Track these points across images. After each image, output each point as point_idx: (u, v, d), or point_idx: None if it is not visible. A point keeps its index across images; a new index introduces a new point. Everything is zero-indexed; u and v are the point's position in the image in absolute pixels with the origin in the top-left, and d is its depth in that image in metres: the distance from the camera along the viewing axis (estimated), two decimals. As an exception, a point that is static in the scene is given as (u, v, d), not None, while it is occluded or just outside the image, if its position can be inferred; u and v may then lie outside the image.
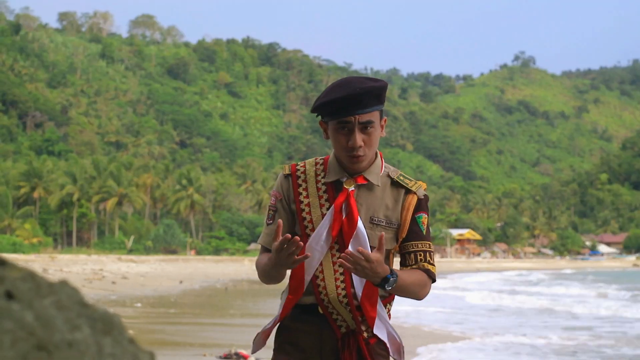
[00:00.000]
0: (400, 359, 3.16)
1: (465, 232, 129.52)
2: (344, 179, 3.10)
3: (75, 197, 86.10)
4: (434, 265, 3.16)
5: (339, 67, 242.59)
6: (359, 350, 3.06)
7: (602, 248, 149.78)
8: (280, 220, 2.92)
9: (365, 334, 3.07)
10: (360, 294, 3.05)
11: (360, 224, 3.05)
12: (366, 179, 3.10)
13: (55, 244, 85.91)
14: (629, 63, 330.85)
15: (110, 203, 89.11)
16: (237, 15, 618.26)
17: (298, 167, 3.20)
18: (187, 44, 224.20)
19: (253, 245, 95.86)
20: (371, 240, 3.06)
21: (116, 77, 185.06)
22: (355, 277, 3.05)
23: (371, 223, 3.09)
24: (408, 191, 3.15)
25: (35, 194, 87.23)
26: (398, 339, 3.15)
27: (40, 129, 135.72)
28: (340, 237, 3.06)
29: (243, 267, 63.85)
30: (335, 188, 3.11)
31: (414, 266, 3.12)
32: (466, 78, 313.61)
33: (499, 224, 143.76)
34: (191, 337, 14.29)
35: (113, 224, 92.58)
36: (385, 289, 2.97)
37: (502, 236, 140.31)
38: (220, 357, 11.40)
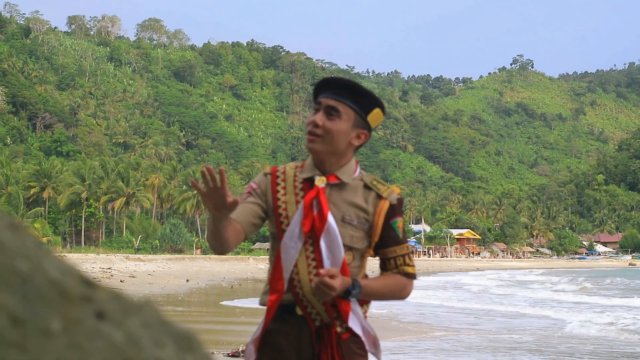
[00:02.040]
0: (377, 352, 3.16)
1: (465, 232, 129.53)
2: (316, 177, 3.13)
3: (84, 197, 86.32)
4: (412, 266, 3.18)
5: (342, 69, 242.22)
6: (333, 344, 3.08)
7: (599, 248, 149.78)
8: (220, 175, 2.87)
9: (338, 329, 3.07)
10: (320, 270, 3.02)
11: (330, 218, 3.05)
12: (338, 178, 3.12)
13: (64, 243, 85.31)
14: (624, 66, 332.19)
15: (118, 203, 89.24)
16: (242, 19, 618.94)
17: (278, 169, 3.25)
18: (193, 47, 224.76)
19: (258, 244, 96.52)
20: (343, 238, 3.07)
21: (124, 80, 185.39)
22: None
23: (343, 222, 3.09)
24: (379, 197, 3.14)
25: (45, 194, 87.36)
26: (372, 333, 3.14)
27: (49, 130, 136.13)
28: (313, 233, 3.07)
29: (248, 266, 64.05)
30: (309, 186, 3.13)
31: (394, 270, 3.15)
32: (465, 81, 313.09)
33: (497, 224, 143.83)
34: (198, 335, 15.13)
35: (121, 224, 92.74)
36: (348, 299, 3.03)
37: (501, 236, 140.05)
38: (228, 355, 11.44)
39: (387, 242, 3.15)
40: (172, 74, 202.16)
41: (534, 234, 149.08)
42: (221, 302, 25.28)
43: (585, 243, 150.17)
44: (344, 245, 3.08)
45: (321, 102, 3.12)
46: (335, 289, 2.91)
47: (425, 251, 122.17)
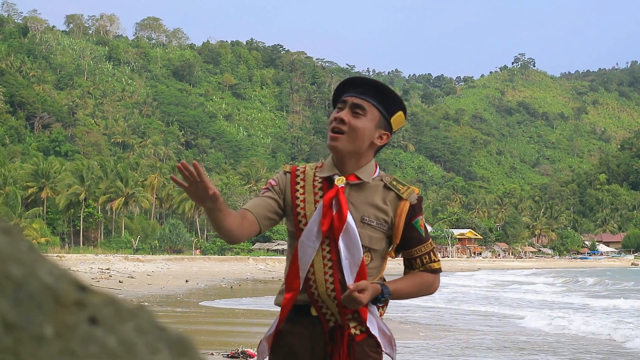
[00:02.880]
0: (393, 352, 3.17)
1: (467, 232, 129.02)
2: (336, 176, 3.15)
3: (82, 197, 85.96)
4: (438, 261, 3.25)
5: (342, 68, 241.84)
6: (344, 346, 3.09)
7: (601, 247, 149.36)
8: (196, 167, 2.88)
9: (352, 330, 3.07)
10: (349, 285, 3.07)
11: (350, 218, 3.07)
12: (358, 178, 3.14)
13: (62, 243, 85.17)
14: (627, 65, 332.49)
15: (117, 203, 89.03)
16: (242, 18, 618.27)
17: (298, 168, 3.29)
18: (192, 46, 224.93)
19: (257, 245, 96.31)
20: (361, 238, 3.09)
21: (122, 79, 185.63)
22: (345, 272, 3.09)
23: (362, 222, 3.10)
24: (399, 198, 3.16)
25: (43, 194, 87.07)
26: (388, 332, 3.16)
27: (47, 130, 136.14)
28: (331, 232, 3.08)
29: (248, 266, 63.68)
30: (329, 185, 3.15)
31: (420, 269, 3.20)
32: (467, 80, 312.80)
33: (499, 224, 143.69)
34: (197, 336, 14.16)
35: (119, 224, 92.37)
36: (376, 305, 3.11)
37: (503, 236, 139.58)
38: (227, 356, 11.35)
39: (411, 242, 3.20)
40: (171, 73, 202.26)
41: (536, 233, 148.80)
42: (200, 303, 25.21)
43: (587, 243, 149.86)
44: (363, 247, 3.11)
45: (346, 100, 3.15)
46: (364, 303, 3.00)
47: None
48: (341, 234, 3.07)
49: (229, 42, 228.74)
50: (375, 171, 3.21)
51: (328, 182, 3.17)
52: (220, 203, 2.93)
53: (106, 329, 0.78)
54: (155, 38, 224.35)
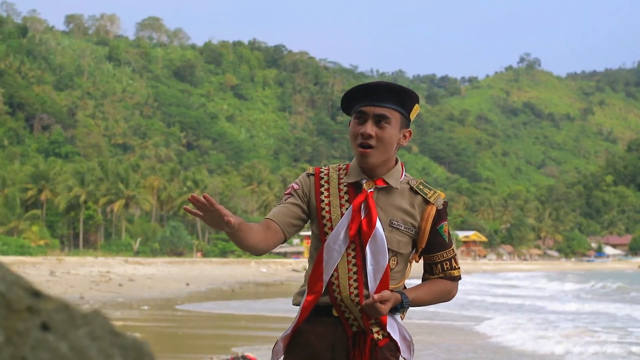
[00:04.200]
0: (410, 356, 3.21)
1: (471, 234, 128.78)
2: (364, 181, 3.16)
3: (82, 199, 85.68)
4: (458, 269, 3.28)
5: (345, 69, 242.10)
6: (367, 352, 3.12)
7: (608, 250, 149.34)
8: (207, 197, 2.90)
9: (375, 335, 3.12)
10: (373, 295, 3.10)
11: (378, 224, 3.10)
12: (385, 182, 3.17)
13: (62, 246, 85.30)
14: (634, 65, 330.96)
15: (117, 205, 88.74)
16: (244, 18, 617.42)
17: (322, 170, 3.29)
18: (193, 46, 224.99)
19: None
20: (389, 243, 3.12)
21: (123, 80, 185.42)
22: (368, 278, 3.11)
23: (390, 226, 3.14)
24: (426, 202, 3.20)
25: (43, 196, 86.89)
26: (408, 337, 3.21)
27: (47, 131, 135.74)
28: (358, 237, 3.11)
29: (249, 270, 63.48)
30: (355, 189, 3.17)
31: (440, 275, 3.24)
32: (472, 80, 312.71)
33: (504, 226, 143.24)
34: (198, 340, 14.30)
35: (120, 226, 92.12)
36: (395, 313, 3.14)
37: (508, 238, 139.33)
38: None
39: (434, 247, 3.25)
40: (172, 73, 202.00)
41: (542, 236, 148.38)
42: (176, 306, 24.79)
43: (594, 245, 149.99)
44: (391, 250, 3.16)
45: (366, 112, 3.15)
46: (384, 313, 3.08)
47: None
48: (369, 240, 3.10)
49: (231, 42, 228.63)
50: (402, 174, 3.24)
51: (354, 186, 3.20)
52: (238, 226, 2.95)
53: (58, 335, 0.78)
54: (156, 38, 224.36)
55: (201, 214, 2.87)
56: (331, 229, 3.13)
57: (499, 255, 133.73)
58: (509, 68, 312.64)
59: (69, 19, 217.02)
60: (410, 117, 3.21)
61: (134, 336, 0.85)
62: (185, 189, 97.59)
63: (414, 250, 3.24)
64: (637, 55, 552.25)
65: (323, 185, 3.22)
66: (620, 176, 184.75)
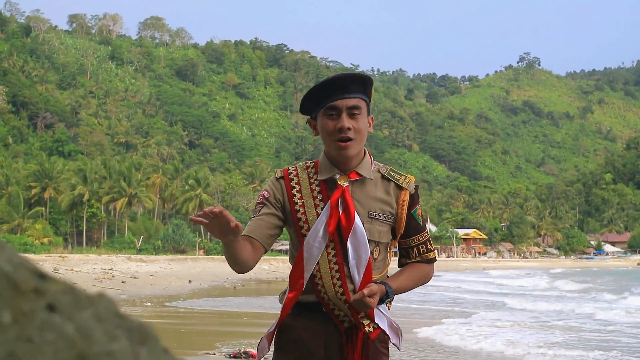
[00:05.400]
0: (399, 342, 3.26)
1: (471, 232, 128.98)
2: (337, 176, 3.16)
3: (85, 197, 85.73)
4: (433, 251, 3.32)
5: (346, 68, 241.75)
6: (359, 345, 3.14)
7: (607, 247, 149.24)
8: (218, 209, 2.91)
9: (366, 328, 3.12)
10: (358, 290, 3.10)
11: (357, 219, 3.10)
12: (359, 174, 3.16)
13: (65, 243, 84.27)
14: (633, 64, 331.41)
15: (120, 203, 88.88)
16: (245, 17, 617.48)
17: (290, 171, 3.27)
18: (195, 46, 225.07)
19: None
20: (370, 234, 3.13)
21: (125, 79, 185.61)
22: (352, 274, 3.12)
23: (369, 217, 3.14)
24: (399, 187, 3.22)
25: (46, 195, 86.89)
26: (395, 325, 3.24)
27: (50, 130, 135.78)
28: (337, 233, 3.10)
29: None
30: (328, 187, 3.17)
31: (417, 259, 3.27)
32: (472, 79, 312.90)
33: (504, 224, 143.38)
34: (200, 336, 14.37)
35: (122, 224, 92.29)
36: (380, 304, 3.15)
37: (508, 236, 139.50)
38: (230, 356, 11.35)
39: (409, 232, 3.26)
40: (175, 72, 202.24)
41: (541, 233, 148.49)
42: (178, 303, 24.78)
43: (593, 243, 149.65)
44: (372, 242, 3.16)
45: (338, 106, 3.14)
46: (373, 307, 3.08)
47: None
48: (349, 235, 3.09)
49: (233, 41, 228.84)
50: (372, 163, 3.23)
51: (327, 183, 3.18)
52: (240, 234, 2.98)
53: (64, 316, 0.79)
54: (158, 37, 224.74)
55: (207, 221, 2.88)
56: (308, 230, 3.12)
57: (499, 253, 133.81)
58: (509, 67, 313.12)
59: (72, 18, 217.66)
60: (371, 102, 3.26)
61: (139, 319, 0.85)
62: (187, 187, 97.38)
63: (393, 238, 3.26)
64: (636, 54, 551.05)
65: (294, 187, 3.21)
66: (619, 174, 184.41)
